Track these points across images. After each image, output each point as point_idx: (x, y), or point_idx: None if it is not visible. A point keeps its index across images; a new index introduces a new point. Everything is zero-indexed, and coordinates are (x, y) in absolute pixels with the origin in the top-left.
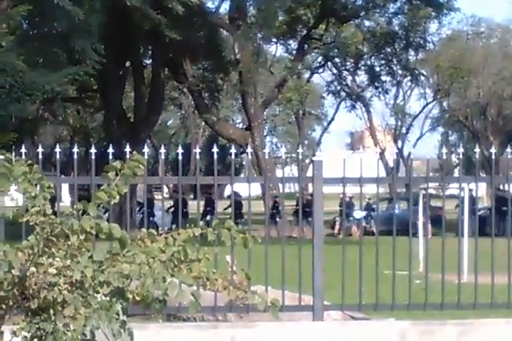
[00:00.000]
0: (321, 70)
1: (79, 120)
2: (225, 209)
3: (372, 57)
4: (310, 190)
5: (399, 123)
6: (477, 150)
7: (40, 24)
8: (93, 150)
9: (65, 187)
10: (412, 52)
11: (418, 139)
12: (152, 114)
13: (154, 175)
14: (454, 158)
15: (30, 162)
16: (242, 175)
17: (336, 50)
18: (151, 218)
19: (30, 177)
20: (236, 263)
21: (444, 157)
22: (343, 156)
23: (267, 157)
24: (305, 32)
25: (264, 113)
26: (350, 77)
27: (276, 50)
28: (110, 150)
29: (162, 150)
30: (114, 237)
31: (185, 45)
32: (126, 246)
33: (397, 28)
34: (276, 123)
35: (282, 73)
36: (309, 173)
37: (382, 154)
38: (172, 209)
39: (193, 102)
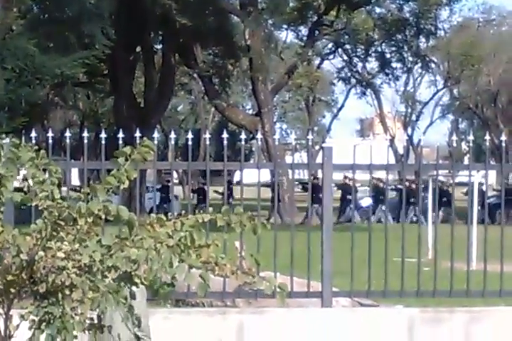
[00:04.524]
0: (331, 57)
1: (89, 105)
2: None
3: (383, 44)
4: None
5: (409, 110)
6: (487, 137)
7: (51, 8)
8: (103, 135)
9: (74, 172)
10: (423, 39)
11: (428, 126)
12: (162, 99)
13: (164, 161)
14: (463, 145)
15: (37, 147)
16: (251, 161)
17: (347, 37)
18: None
19: (38, 163)
20: (245, 249)
21: (454, 144)
22: (353, 143)
23: (276, 143)
24: (316, 18)
25: (274, 99)
26: (360, 64)
27: (286, 36)
28: (120, 135)
29: (172, 135)
30: (122, 219)
31: (195, 30)
32: (133, 228)
33: (408, 14)
34: (286, 110)
35: (292, 59)
36: (319, 160)
37: (392, 141)
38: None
39: (203, 88)
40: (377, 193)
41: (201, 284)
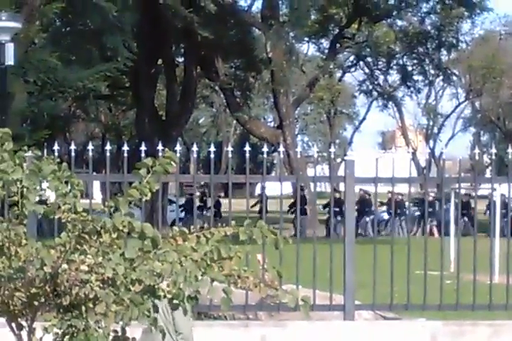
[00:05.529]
0: (352, 69)
1: (111, 117)
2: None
3: (405, 57)
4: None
5: (431, 123)
6: (509, 150)
7: (73, 21)
8: (125, 148)
9: (96, 185)
10: (445, 52)
11: (450, 139)
12: (184, 112)
13: (186, 173)
14: (485, 158)
15: (59, 160)
16: (273, 174)
17: (368, 50)
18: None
19: (60, 176)
20: (267, 262)
21: (476, 157)
22: (375, 156)
23: (298, 156)
24: (337, 31)
25: (296, 112)
26: (382, 77)
27: (308, 48)
28: (142, 147)
29: (194, 148)
30: (146, 236)
31: (217, 43)
32: (158, 245)
33: (429, 27)
34: (308, 122)
35: (314, 72)
36: (341, 172)
37: (413, 154)
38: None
39: (224, 100)
40: (362, 205)
41: (224, 299)
